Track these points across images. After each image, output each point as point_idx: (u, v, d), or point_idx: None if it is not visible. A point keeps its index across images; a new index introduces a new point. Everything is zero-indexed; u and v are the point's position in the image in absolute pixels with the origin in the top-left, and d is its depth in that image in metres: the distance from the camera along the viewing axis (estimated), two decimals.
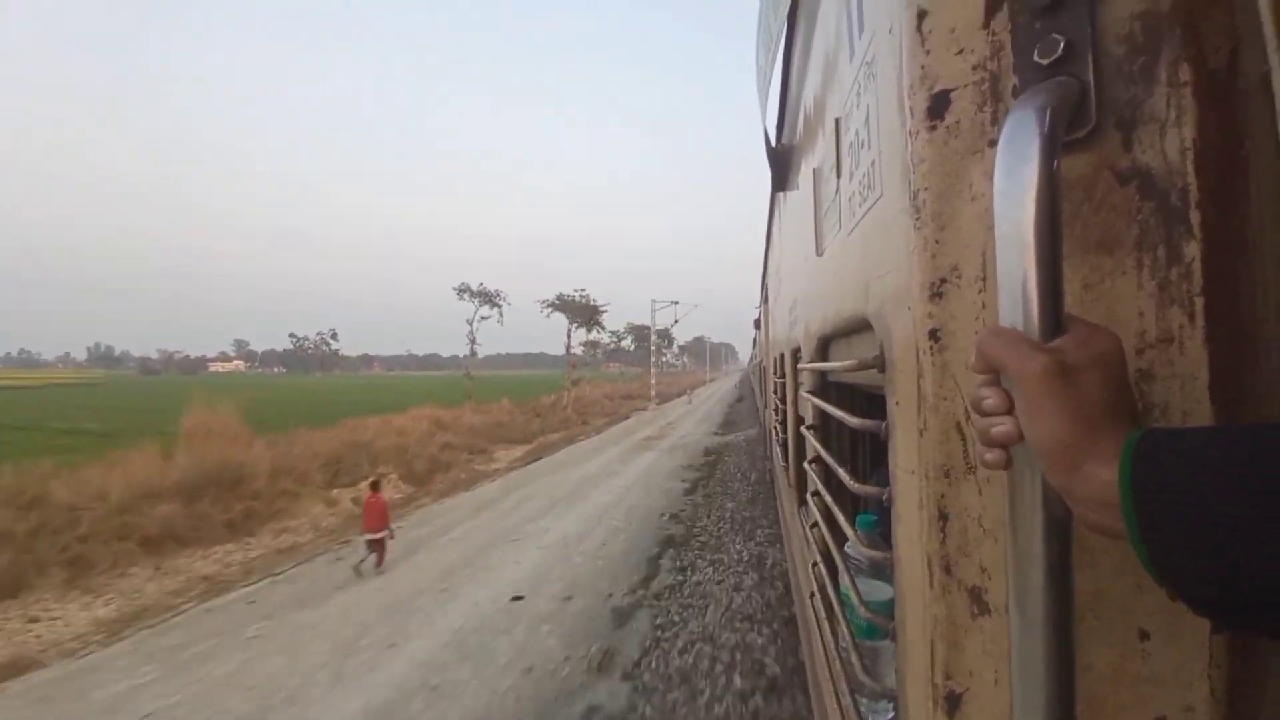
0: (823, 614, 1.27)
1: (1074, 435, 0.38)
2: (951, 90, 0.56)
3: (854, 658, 0.94)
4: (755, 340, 13.83)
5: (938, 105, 0.56)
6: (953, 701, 0.56)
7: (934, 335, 0.57)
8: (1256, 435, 0.33)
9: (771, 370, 4.15)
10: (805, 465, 1.71)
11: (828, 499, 1.28)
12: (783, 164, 2.13)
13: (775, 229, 3.68)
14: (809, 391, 1.67)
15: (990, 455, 0.44)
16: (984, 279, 0.54)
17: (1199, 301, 0.45)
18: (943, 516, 0.57)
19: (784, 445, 3.02)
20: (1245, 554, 0.31)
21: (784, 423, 2.91)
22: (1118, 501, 0.35)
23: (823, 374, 1.53)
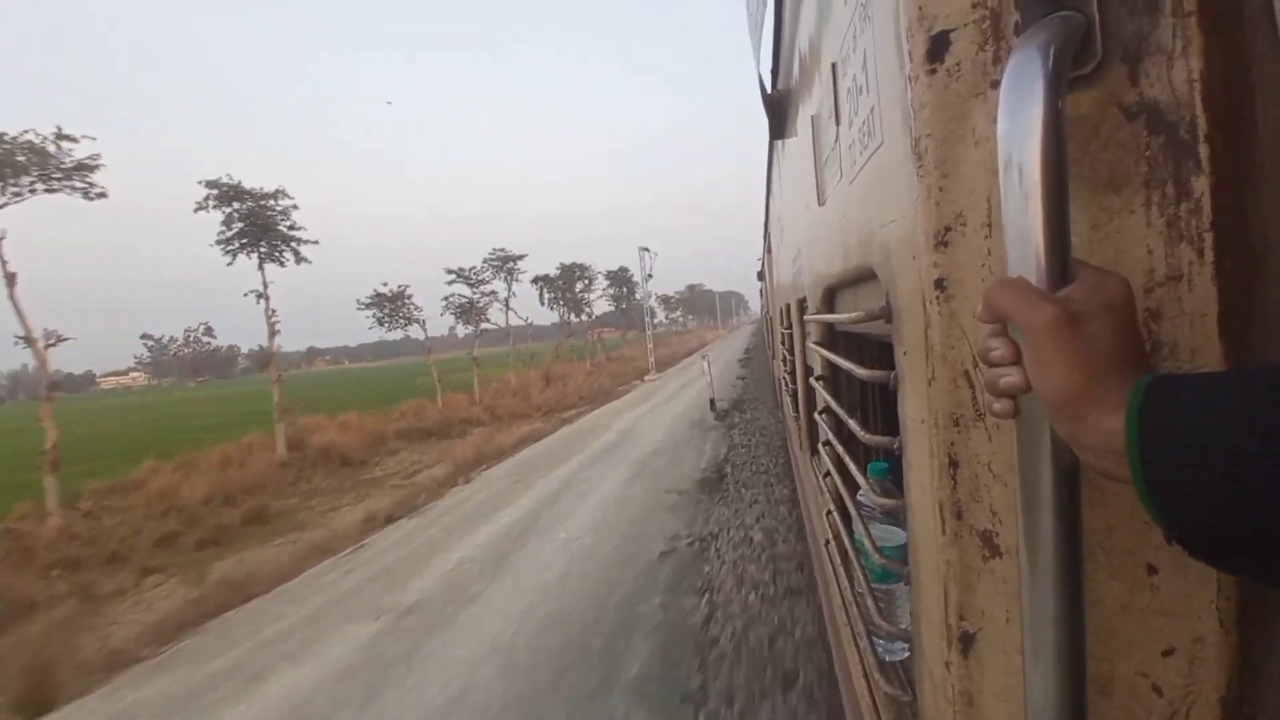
0: (838, 560, 1.30)
1: (1081, 385, 0.38)
2: (951, 31, 0.54)
3: (869, 601, 0.96)
4: (761, 291, 13.98)
5: (937, 47, 0.55)
6: (966, 641, 0.58)
7: (940, 284, 0.57)
8: (1265, 379, 0.33)
9: (778, 321, 4.14)
10: (816, 416, 1.72)
11: (839, 448, 1.29)
12: (780, 111, 2.07)
13: (775, 178, 3.61)
14: (816, 343, 1.66)
15: (998, 405, 0.45)
16: (989, 225, 0.54)
17: (1208, 237, 0.45)
18: (953, 464, 0.58)
19: (794, 396, 3.03)
20: (1246, 500, 0.31)
21: (793, 373, 2.92)
22: (1124, 448, 0.36)
23: (830, 325, 1.52)
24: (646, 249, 28.43)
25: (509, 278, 26.03)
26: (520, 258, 26.08)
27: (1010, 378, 0.42)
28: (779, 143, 2.53)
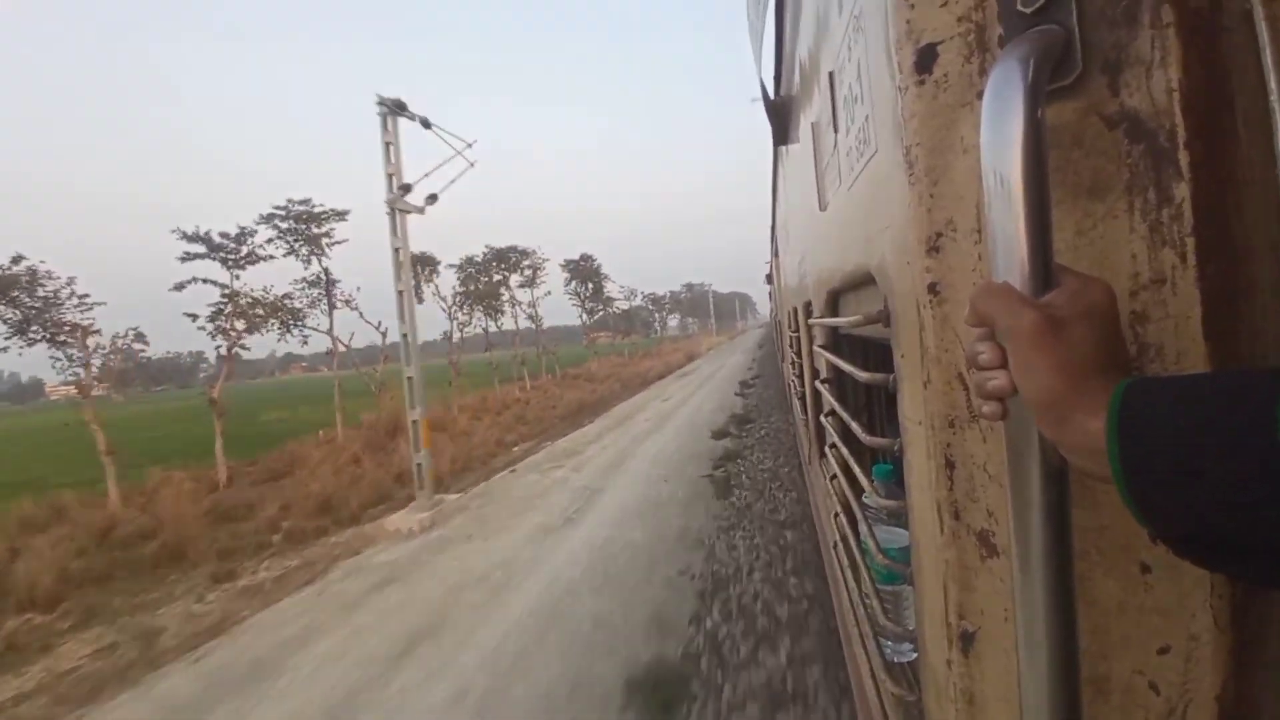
0: (845, 562, 1.31)
1: (1064, 389, 0.39)
2: (938, 43, 0.55)
3: (875, 603, 0.97)
4: (770, 295, 13.68)
5: (925, 59, 0.56)
6: (966, 639, 0.59)
7: (933, 289, 0.58)
8: (1241, 381, 0.34)
9: (786, 324, 4.14)
10: (822, 419, 1.73)
11: (844, 451, 1.30)
12: (782, 117, 2.09)
13: (780, 182, 3.62)
14: (821, 346, 1.67)
15: (987, 408, 0.46)
16: (979, 231, 0.55)
17: (1190, 241, 0.46)
18: (950, 465, 0.59)
19: (801, 399, 3.04)
20: (1223, 500, 0.32)
21: (800, 376, 2.92)
22: (1105, 450, 0.37)
23: (833, 329, 1.53)
24: (392, 105, 7.73)
25: (310, 251, 13.44)
26: (337, 214, 13.51)
27: (997, 381, 0.44)
28: (783, 148, 2.54)
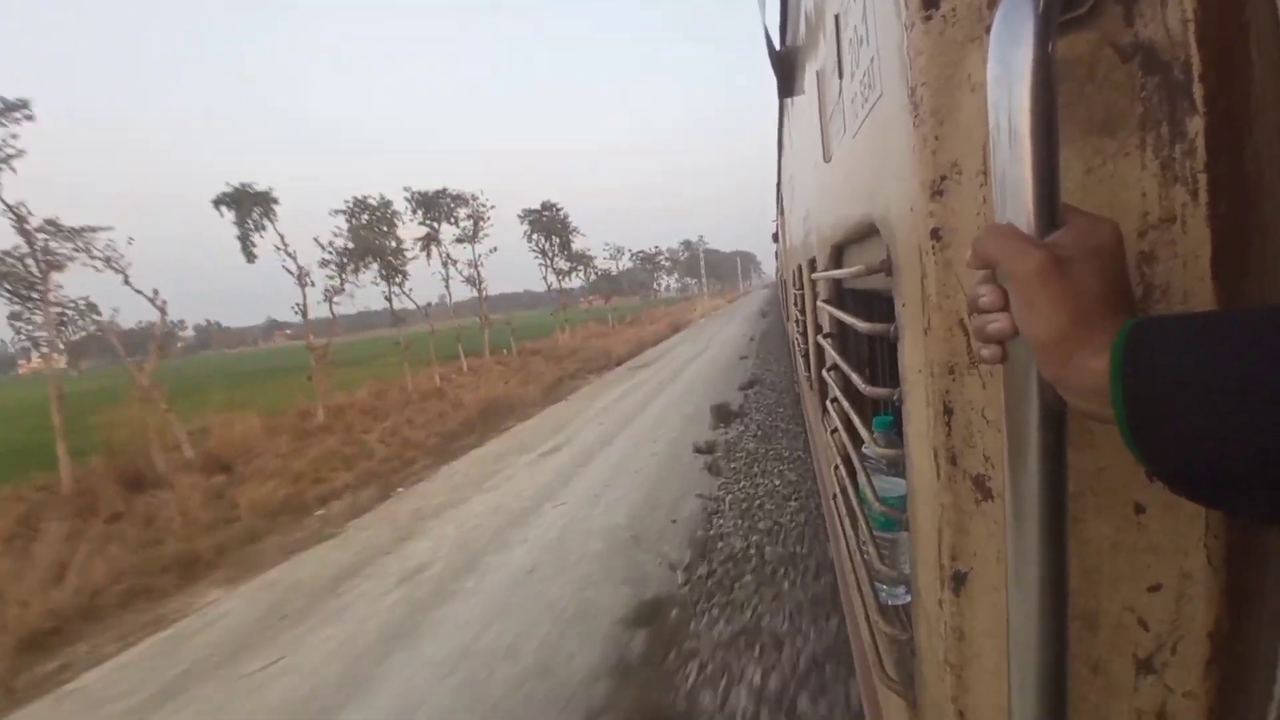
0: (844, 512, 1.33)
1: (1067, 329, 0.39)
2: None
3: (872, 549, 0.99)
4: (776, 253, 13.38)
5: None
6: (958, 580, 0.60)
7: (936, 234, 0.57)
8: (1252, 318, 0.34)
9: (791, 282, 4.12)
10: (824, 373, 1.73)
11: (845, 404, 1.31)
12: (788, 68, 2.03)
13: (786, 137, 3.55)
14: (824, 300, 1.66)
15: (986, 351, 0.45)
16: (985, 173, 0.54)
17: (1202, 179, 0.45)
18: (948, 411, 0.59)
19: (805, 355, 3.04)
20: (1222, 436, 0.32)
21: (804, 333, 2.92)
22: (1107, 388, 0.37)
23: (836, 282, 1.52)
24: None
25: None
26: (9, 106, 8.41)
27: (998, 323, 0.43)
28: (788, 101, 2.48)
